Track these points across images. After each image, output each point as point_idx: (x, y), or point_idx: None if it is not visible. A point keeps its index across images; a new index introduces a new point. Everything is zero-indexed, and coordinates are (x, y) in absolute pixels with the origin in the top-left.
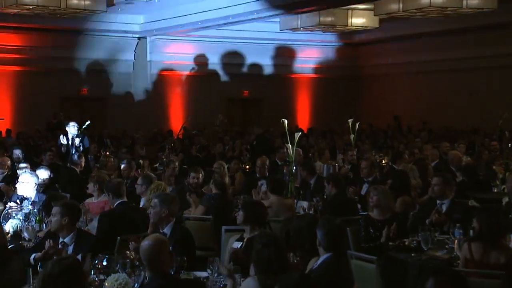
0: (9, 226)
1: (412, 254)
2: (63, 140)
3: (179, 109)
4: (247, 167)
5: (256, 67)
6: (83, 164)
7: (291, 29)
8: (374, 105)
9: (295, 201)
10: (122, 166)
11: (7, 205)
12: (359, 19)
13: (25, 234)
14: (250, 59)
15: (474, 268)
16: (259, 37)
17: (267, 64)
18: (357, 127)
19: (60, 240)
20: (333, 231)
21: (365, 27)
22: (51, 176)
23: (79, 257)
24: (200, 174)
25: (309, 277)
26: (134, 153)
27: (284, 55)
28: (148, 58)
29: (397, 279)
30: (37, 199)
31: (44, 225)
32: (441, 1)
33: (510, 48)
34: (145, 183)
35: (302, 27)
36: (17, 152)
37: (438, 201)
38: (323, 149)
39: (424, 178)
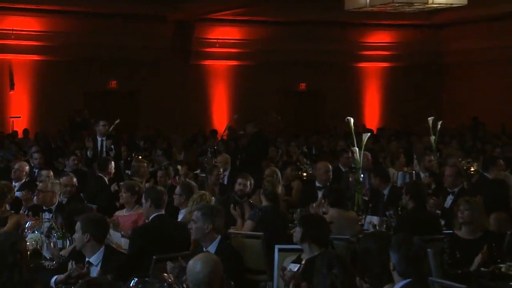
0: (28, 243)
1: (510, 283)
2: (89, 143)
3: (223, 106)
4: (305, 174)
5: (316, 54)
6: (113, 170)
7: (357, 9)
8: (460, 100)
9: (363, 216)
10: (158, 172)
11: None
12: None
13: (46, 252)
14: (308, 45)
15: None
16: (319, 19)
17: (328, 51)
18: (439, 126)
19: (86, 259)
20: (411, 253)
21: (450, 4)
22: (76, 184)
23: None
24: (249, 182)
25: None
26: (171, 157)
27: (349, 40)
28: (187, 46)
29: None
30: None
31: (68, 241)
32: None
33: None
34: (184, 193)
35: (372, 6)
36: (36, 156)
37: None
38: (397, 153)
39: None
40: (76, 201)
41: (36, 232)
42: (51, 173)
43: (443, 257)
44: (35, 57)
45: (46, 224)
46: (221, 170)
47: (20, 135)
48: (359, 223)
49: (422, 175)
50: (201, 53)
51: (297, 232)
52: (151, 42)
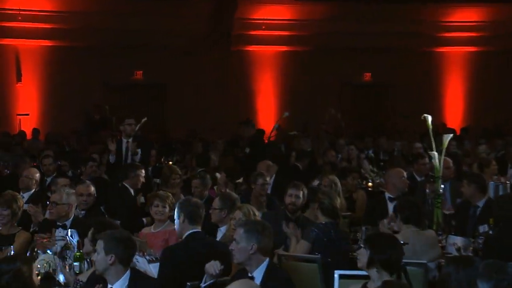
0: (38, 265)
1: None
2: (112, 145)
3: (270, 101)
4: (370, 184)
5: (384, 37)
6: (141, 179)
7: None
8: None
9: (444, 236)
10: (193, 182)
11: (36, 236)
12: None
13: (60, 277)
14: (374, 27)
15: None
16: None
17: (399, 33)
18: None
19: (108, 286)
20: (505, 284)
21: None
22: (94, 194)
23: None
24: (302, 192)
25: None
26: (208, 163)
27: (426, 19)
28: (227, 29)
29: None
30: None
31: (86, 264)
32: None
33: None
34: (225, 207)
35: None
36: (47, 162)
37: None
38: (487, 159)
39: None
40: (96, 215)
41: (49, 252)
42: (67, 181)
43: None
44: (46, 43)
45: (60, 243)
46: (268, 178)
47: (28, 136)
48: (439, 244)
49: None
50: (244, 37)
51: (362, 255)
52: (183, 24)
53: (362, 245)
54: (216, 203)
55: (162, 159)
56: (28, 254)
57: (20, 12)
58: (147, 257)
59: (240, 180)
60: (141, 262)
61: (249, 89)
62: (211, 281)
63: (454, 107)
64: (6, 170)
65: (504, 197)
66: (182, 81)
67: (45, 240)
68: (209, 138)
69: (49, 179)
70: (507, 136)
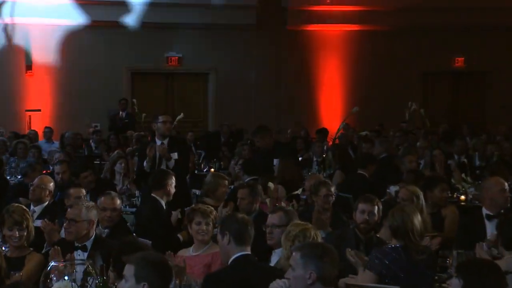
0: None
1: None
2: (151, 151)
3: (336, 93)
4: (463, 197)
5: (480, 14)
6: (172, 189)
7: None
8: None
9: None
10: (239, 192)
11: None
12: None
13: None
14: (468, 2)
15: None
16: None
17: (501, 8)
18: None
19: None
20: None
21: None
22: (121, 208)
23: None
24: (376, 208)
25: None
26: (254, 170)
27: None
28: (281, 4)
29: None
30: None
31: None
32: None
33: None
34: (283, 224)
35: None
36: (60, 169)
37: None
38: None
39: None
40: (122, 233)
41: (66, 279)
42: (82, 191)
43: None
44: (61, 21)
45: (80, 268)
46: (332, 189)
47: (40, 136)
48: None
49: None
50: (302, 14)
51: (454, 287)
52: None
53: (453, 274)
54: (270, 220)
55: (203, 165)
56: (41, 281)
57: None
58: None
59: (299, 191)
60: None
61: (309, 78)
62: None
63: None
64: (12, 178)
65: None
66: (225, 67)
67: (61, 265)
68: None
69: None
70: None
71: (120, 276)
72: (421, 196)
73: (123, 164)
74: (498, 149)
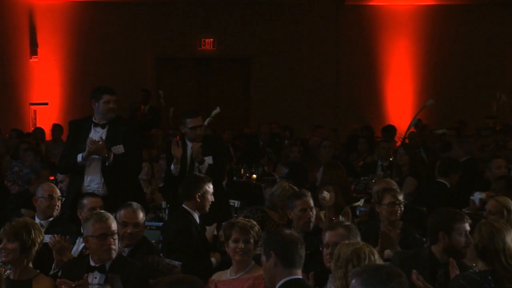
0: None
1: None
2: (177, 150)
3: (405, 83)
4: None
5: None
6: (209, 200)
7: None
8: None
9: None
10: (294, 203)
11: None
12: None
13: None
14: None
15: None
16: None
17: None
18: None
19: None
20: None
21: None
22: (144, 222)
23: None
24: (466, 225)
25: None
26: (302, 176)
27: None
28: None
29: None
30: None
31: None
32: None
33: None
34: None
35: None
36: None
37: None
38: None
39: None
40: (146, 253)
41: None
42: (99, 202)
43: None
44: None
45: None
46: (401, 196)
47: (47, 135)
48: None
49: None
50: None
51: None
52: None
53: None
54: (334, 237)
55: (243, 170)
56: None
57: None
58: None
59: (360, 203)
60: None
61: (371, 64)
62: None
63: None
64: (13, 185)
65: None
66: (270, 52)
67: None
68: (311, 140)
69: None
70: None
71: None
72: None
73: (146, 169)
74: None
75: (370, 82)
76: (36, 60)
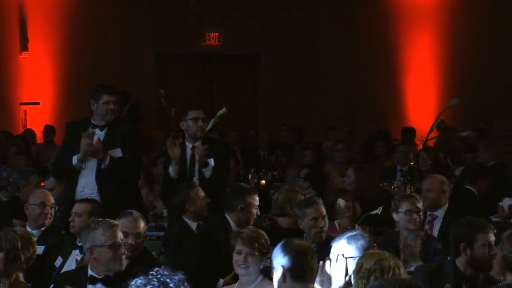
0: None
1: None
2: (174, 150)
3: (427, 80)
4: None
5: None
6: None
7: None
8: None
9: None
10: (305, 211)
11: None
12: None
13: None
14: None
15: None
16: None
17: None
18: None
19: None
20: None
21: None
22: (144, 232)
23: None
24: (490, 235)
25: None
26: (323, 183)
27: None
28: None
29: None
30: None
31: None
32: None
33: None
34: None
35: None
36: (51, 183)
37: None
38: None
39: None
40: (147, 265)
41: None
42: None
43: None
44: None
45: None
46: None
47: (38, 137)
48: None
49: None
50: None
51: None
52: None
53: None
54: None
55: (250, 175)
56: None
57: None
58: None
59: (378, 211)
60: None
61: (392, 61)
62: None
63: None
64: (3, 193)
65: None
66: (279, 47)
67: None
68: (325, 144)
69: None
70: None
71: None
72: None
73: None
74: None
75: (388, 79)
76: (26, 56)
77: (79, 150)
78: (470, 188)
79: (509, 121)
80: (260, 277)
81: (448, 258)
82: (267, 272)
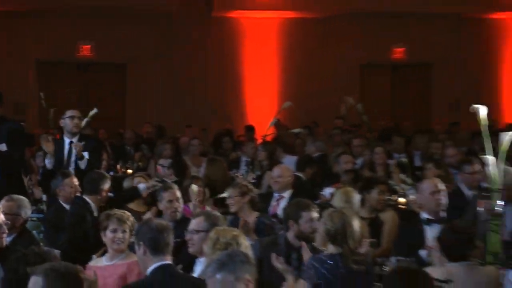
0: None
1: None
2: (48, 144)
3: (266, 86)
4: (402, 200)
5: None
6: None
7: None
8: None
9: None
10: (162, 195)
11: None
12: None
13: None
14: None
15: None
16: None
17: None
18: None
19: None
20: None
21: None
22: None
23: None
24: (313, 213)
25: None
26: (182, 171)
27: None
28: None
29: None
30: None
31: None
32: None
33: None
34: (205, 230)
35: None
36: None
37: None
38: None
39: None
40: (26, 242)
41: None
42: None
43: None
44: None
45: None
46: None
47: None
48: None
49: None
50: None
51: None
52: None
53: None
54: (192, 225)
55: (118, 166)
56: None
57: None
58: None
59: (226, 194)
60: None
61: (236, 70)
62: None
63: None
64: None
65: None
66: (144, 59)
67: None
68: (179, 137)
69: None
70: None
71: None
72: (355, 198)
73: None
74: (439, 147)
75: (235, 87)
76: None
77: None
78: (299, 174)
79: (331, 120)
80: (127, 250)
81: (281, 232)
82: (132, 247)
